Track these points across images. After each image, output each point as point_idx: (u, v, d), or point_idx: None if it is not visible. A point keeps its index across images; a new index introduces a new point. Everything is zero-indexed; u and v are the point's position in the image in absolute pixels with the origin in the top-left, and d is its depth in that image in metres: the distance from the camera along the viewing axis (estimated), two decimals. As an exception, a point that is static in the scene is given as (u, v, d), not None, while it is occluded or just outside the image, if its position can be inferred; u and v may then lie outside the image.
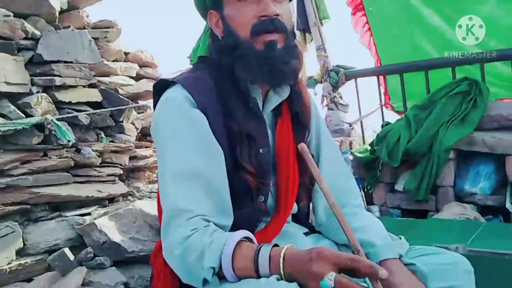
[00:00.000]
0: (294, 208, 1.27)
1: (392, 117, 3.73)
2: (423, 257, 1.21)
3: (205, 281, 0.93)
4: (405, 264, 1.17)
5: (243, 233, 0.94)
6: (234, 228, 1.09)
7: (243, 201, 1.15)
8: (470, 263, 1.22)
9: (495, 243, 1.98)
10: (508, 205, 2.65)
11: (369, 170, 3.26)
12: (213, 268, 0.90)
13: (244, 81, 1.15)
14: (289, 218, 1.31)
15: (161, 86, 1.17)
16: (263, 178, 1.16)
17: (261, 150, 1.16)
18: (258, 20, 1.11)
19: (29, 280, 2.02)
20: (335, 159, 1.38)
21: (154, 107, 1.20)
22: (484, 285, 1.83)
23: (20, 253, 2.07)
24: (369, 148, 3.33)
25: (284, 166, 1.22)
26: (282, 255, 0.87)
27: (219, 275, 0.91)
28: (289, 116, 1.26)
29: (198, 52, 1.29)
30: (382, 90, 3.80)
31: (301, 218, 1.34)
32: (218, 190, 1.05)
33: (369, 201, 3.21)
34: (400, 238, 1.27)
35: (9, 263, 1.98)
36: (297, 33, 3.81)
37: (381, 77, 3.78)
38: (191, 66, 1.31)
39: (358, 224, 1.26)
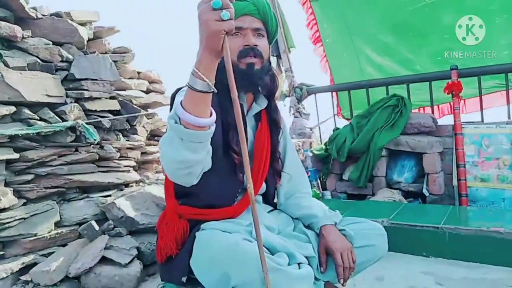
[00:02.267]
0: (263, 188, 1.34)
1: (343, 123, 3.88)
2: (351, 224, 1.31)
3: (180, 148, 0.89)
4: (339, 230, 1.27)
5: None
6: (218, 195, 1.17)
7: (227, 175, 1.21)
8: (384, 229, 1.32)
9: (410, 218, 2.12)
10: (424, 190, 2.81)
11: (323, 163, 3.39)
12: (172, 117, 0.90)
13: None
14: (260, 198, 1.38)
15: (176, 91, 1.22)
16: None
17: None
18: (243, 48, 1.18)
19: (64, 245, 2.02)
20: (294, 160, 1.47)
21: (171, 107, 1.21)
22: (400, 247, 2.02)
23: (57, 224, 2.06)
24: (323, 147, 3.47)
25: (259, 155, 1.29)
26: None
27: (183, 124, 0.88)
28: (267, 123, 1.34)
29: None
30: (335, 103, 3.96)
31: (268, 199, 1.41)
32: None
33: (323, 187, 3.32)
34: (336, 211, 1.37)
35: (49, 232, 1.99)
36: (274, 59, 3.92)
37: (335, 93, 3.94)
38: None
39: (306, 203, 1.37)
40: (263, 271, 0.88)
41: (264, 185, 1.34)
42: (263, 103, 1.32)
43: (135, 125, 2.79)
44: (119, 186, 2.49)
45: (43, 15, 2.36)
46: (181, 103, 0.89)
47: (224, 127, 1.18)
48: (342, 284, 1.24)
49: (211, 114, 0.92)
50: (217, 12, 0.78)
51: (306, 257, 1.18)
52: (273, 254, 1.07)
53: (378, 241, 1.31)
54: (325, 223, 1.28)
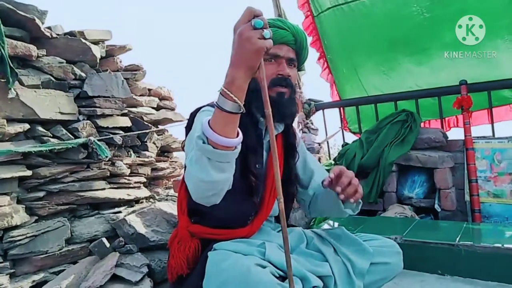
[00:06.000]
0: (276, 210, 1.29)
1: (351, 138, 3.84)
2: (368, 241, 1.29)
3: (208, 168, 0.87)
4: (357, 243, 1.25)
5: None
6: (232, 216, 1.14)
7: (242, 197, 1.18)
8: (399, 247, 1.29)
9: (424, 235, 2.05)
10: (436, 206, 2.74)
11: (333, 179, 3.34)
12: (200, 137, 0.88)
13: (257, 115, 1.20)
14: (273, 219, 1.36)
15: (196, 110, 1.22)
16: (260, 181, 1.22)
17: (257, 165, 1.21)
18: (276, 76, 1.18)
19: (74, 262, 2.01)
20: (319, 169, 1.47)
21: (187, 127, 1.22)
22: (414, 265, 1.95)
23: (68, 241, 2.05)
24: (333, 162, 3.41)
25: (271, 179, 1.25)
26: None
27: (211, 144, 0.87)
28: (282, 146, 1.32)
29: None
30: (342, 117, 3.92)
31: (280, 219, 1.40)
32: None
33: (333, 203, 3.28)
34: None
35: (60, 249, 1.97)
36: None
37: (341, 107, 3.90)
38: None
39: None
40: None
41: (276, 207, 1.30)
42: (280, 127, 1.32)
43: (145, 142, 2.79)
44: (129, 203, 2.46)
45: (58, 35, 2.37)
46: (208, 123, 0.87)
47: (242, 149, 1.17)
48: (342, 200, 1.20)
49: (237, 134, 0.91)
50: (258, 31, 0.81)
51: (322, 277, 1.14)
52: (286, 276, 1.03)
53: (394, 259, 1.28)
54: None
